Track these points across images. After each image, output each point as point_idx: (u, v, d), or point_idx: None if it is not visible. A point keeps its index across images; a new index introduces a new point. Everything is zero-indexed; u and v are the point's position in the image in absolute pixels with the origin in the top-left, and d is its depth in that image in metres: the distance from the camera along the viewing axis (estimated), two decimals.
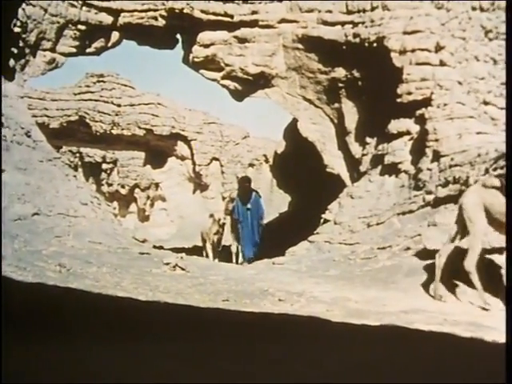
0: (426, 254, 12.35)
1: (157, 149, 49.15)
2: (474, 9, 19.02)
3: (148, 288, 9.84)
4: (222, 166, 50.86)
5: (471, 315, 9.22)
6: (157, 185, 50.82)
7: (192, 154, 49.97)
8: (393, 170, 17.45)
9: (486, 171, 13.22)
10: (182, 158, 50.53)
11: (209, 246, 19.07)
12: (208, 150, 50.39)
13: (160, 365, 4.83)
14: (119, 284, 9.98)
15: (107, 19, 20.59)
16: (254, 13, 20.23)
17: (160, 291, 9.72)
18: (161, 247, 24.55)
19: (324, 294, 10.58)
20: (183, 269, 12.57)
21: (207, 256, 18.90)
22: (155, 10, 20.55)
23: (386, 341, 6.80)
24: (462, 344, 7.17)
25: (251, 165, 46.40)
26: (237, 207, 17.25)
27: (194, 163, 50.24)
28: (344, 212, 17.84)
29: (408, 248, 13.39)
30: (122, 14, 20.60)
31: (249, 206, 17.03)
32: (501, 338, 7.58)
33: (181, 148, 49.94)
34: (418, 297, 10.54)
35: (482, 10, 18.95)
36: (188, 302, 8.84)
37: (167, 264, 12.74)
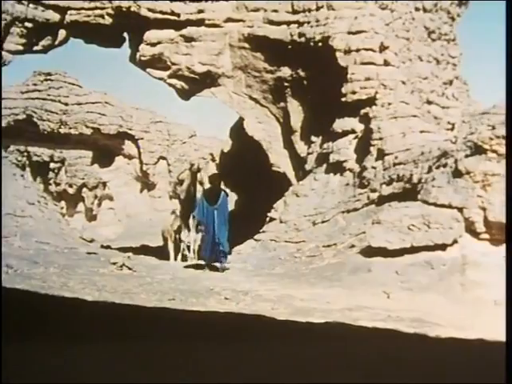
0: (370, 251, 12.48)
1: (104, 148, 48.62)
2: (417, 9, 19.30)
3: (95, 288, 9.72)
4: (169, 164, 50.55)
5: (415, 312, 9.34)
6: (104, 184, 50.24)
7: (139, 153, 49.58)
8: (338, 168, 17.57)
9: (430, 169, 13.40)
10: (130, 157, 50.11)
11: (171, 245, 18.17)
12: (155, 149, 50.04)
13: (106, 364, 4.76)
14: (66, 284, 9.84)
15: (54, 17, 20.23)
16: (200, 12, 20.14)
17: (107, 291, 9.60)
18: (108, 247, 24.30)
19: (269, 293, 10.58)
20: (130, 268, 12.47)
21: (170, 256, 18.12)
22: (102, 9, 20.29)
23: (330, 338, 6.82)
24: (406, 340, 7.24)
25: (192, 164, 46.02)
26: (201, 207, 15.35)
27: (141, 162, 49.85)
28: (290, 210, 17.89)
29: (353, 246, 13.50)
30: (69, 12, 20.26)
31: (216, 206, 15.25)
32: (444, 333, 7.69)
33: (128, 147, 49.51)
34: (362, 294, 10.62)
35: (425, 10, 19.26)
36: (135, 302, 8.75)
37: (114, 264, 12.62)
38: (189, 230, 16.98)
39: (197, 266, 15.15)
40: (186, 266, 15.29)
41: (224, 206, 15.44)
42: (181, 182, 17.04)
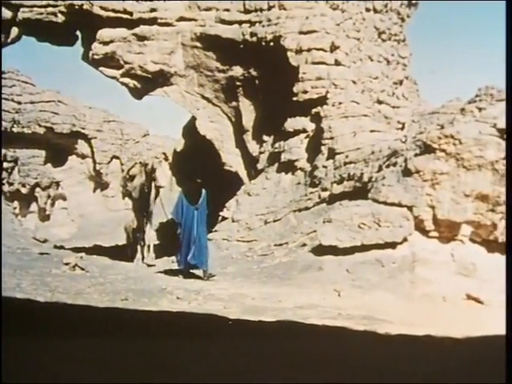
0: (321, 250, 12.56)
1: (57, 147, 48.05)
2: (367, 10, 19.49)
3: (47, 289, 9.60)
4: (122, 164, 50.22)
5: (364, 309, 9.42)
6: (57, 183, 49.68)
7: (92, 153, 49.16)
8: (289, 167, 17.65)
9: (380, 168, 13.54)
10: (83, 157, 49.64)
11: (133, 244, 17.60)
12: (108, 149, 49.65)
13: (59, 364, 4.72)
14: (19, 285, 9.70)
15: (6, 14, 19.89)
16: (152, 10, 20.02)
17: (59, 292, 9.50)
18: (61, 247, 23.98)
19: (222, 292, 10.58)
20: (83, 269, 12.34)
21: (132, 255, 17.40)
22: (55, 6, 20.01)
23: (281, 336, 6.84)
24: (356, 337, 7.30)
25: (142, 164, 45.79)
26: (180, 206, 14.00)
27: (94, 161, 49.42)
28: (241, 209, 17.91)
29: (304, 244, 13.57)
30: (22, 9, 19.94)
31: (197, 205, 14.03)
32: (393, 330, 7.77)
33: (81, 146, 49.05)
34: (313, 292, 10.67)
35: (375, 11, 19.44)
36: (87, 302, 8.67)
37: (67, 264, 12.46)
38: (144, 229, 16.12)
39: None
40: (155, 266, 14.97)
41: (204, 205, 14.20)
42: (131, 178, 16.22)
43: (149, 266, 14.69)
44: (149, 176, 16.05)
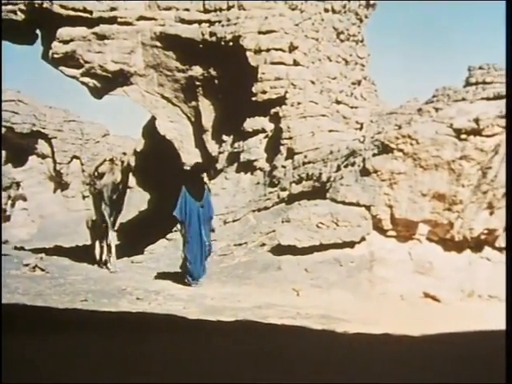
0: (280, 249, 12.60)
1: (17, 147, 47.56)
2: (326, 10, 19.60)
3: (7, 290, 9.48)
4: (82, 164, 49.92)
5: (323, 308, 9.48)
6: (18, 184, 49.16)
7: (53, 153, 48.75)
8: (248, 167, 17.68)
9: (338, 168, 13.63)
10: (43, 157, 49.20)
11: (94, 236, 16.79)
12: (68, 149, 49.30)
13: (20, 365, 4.67)
14: None
15: None
16: (112, 9, 19.86)
17: (19, 293, 9.42)
18: (22, 248, 23.67)
19: (181, 292, 10.59)
20: (43, 270, 12.21)
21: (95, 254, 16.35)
22: (14, 4, 19.75)
23: (240, 336, 6.85)
24: (315, 336, 7.33)
25: (113, 161, 45.50)
26: (183, 203, 12.56)
27: (54, 162, 49.03)
28: None
29: (263, 244, 13.60)
30: None
31: (202, 202, 12.68)
32: (351, 329, 7.83)
33: (41, 146, 48.59)
34: (271, 292, 10.72)
35: (334, 11, 19.57)
36: (47, 304, 8.60)
37: (27, 265, 12.31)
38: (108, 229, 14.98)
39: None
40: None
41: (209, 202, 12.88)
42: (100, 176, 14.97)
43: (111, 272, 14.03)
44: (124, 173, 15.07)
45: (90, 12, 19.84)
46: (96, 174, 15.17)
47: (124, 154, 43.64)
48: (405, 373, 5.16)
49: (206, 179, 14.06)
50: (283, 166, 16.10)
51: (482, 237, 12.74)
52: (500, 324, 9.52)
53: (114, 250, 14.43)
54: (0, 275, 8.89)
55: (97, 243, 15.57)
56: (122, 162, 15.21)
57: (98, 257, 15.33)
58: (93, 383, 4.43)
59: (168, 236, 17.55)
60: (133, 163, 33.88)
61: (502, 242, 13.12)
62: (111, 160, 15.11)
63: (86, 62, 20.25)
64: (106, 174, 14.70)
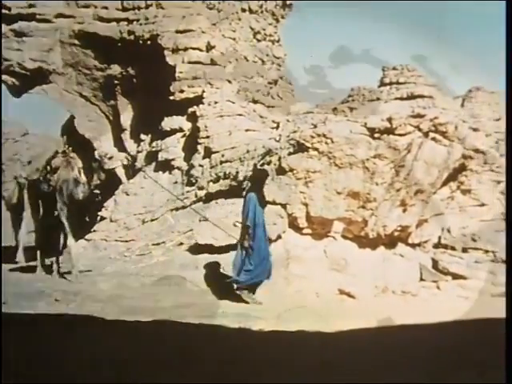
0: (197, 248, 12.65)
1: None
2: (243, 10, 19.68)
3: None
4: (1, 164, 48.74)
5: (240, 307, 9.57)
6: None
7: None
8: (166, 166, 17.60)
9: (255, 167, 13.73)
10: None
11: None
12: None
13: None
14: None
15: None
16: (31, 6, 19.44)
17: None
18: None
19: (100, 293, 10.52)
20: None
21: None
22: None
23: (158, 336, 6.85)
24: (232, 334, 7.39)
25: (66, 154, 44.51)
26: (253, 207, 11.29)
27: None
28: (120, 209, 17.69)
29: (181, 243, 13.60)
30: None
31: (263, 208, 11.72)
32: (267, 326, 7.92)
33: None
34: (189, 291, 10.76)
35: (250, 11, 19.66)
36: None
37: None
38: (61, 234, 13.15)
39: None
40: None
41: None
42: (54, 170, 13.22)
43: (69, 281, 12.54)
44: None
45: (9, 8, 19.39)
46: (49, 168, 13.44)
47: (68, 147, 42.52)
48: (321, 369, 5.26)
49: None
50: (200, 165, 16.11)
51: (396, 234, 13.07)
52: (413, 318, 9.82)
53: (74, 260, 12.50)
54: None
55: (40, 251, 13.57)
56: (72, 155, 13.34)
57: (39, 263, 13.41)
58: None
59: (87, 236, 17.29)
60: None
61: (414, 238, 13.49)
62: (64, 152, 13.53)
63: (5, 60, 19.77)
64: (62, 168, 13.06)
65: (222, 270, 11.48)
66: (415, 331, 7.79)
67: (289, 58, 20.43)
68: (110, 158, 12.91)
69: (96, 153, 14.29)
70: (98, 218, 18.32)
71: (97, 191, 12.81)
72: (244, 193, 12.05)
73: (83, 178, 12.70)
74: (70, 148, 13.79)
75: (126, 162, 14.02)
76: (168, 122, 18.07)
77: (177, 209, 15.74)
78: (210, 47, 18.01)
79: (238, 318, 8.54)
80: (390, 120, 12.91)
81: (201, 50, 18.06)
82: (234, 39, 18.72)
